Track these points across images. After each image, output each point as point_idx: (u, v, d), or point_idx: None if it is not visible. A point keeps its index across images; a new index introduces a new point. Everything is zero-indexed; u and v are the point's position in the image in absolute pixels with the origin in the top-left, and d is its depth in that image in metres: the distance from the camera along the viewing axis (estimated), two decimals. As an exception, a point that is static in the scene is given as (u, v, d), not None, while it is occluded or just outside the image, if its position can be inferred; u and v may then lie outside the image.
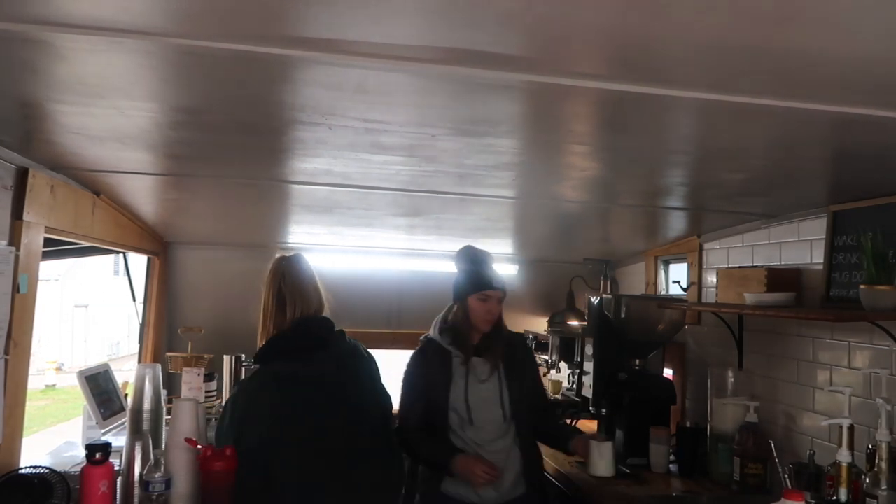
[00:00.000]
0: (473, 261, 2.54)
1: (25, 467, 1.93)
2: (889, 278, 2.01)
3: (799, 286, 2.52)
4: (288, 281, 2.17)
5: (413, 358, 2.57)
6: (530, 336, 3.73)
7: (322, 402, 2.06)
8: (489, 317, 2.47)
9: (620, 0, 0.95)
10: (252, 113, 1.60)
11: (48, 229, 2.16)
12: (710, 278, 3.13)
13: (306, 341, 2.13)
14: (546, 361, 3.66)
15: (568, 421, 3.14)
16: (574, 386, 3.47)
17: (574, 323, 3.58)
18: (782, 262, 2.68)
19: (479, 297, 2.47)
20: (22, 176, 1.98)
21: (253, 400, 2.07)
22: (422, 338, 2.61)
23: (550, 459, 2.78)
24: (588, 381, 3.14)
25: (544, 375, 3.60)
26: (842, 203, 2.36)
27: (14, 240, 1.95)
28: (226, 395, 2.95)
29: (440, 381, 2.47)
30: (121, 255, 3.44)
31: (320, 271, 3.10)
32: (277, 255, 2.25)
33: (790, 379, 2.62)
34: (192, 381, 3.00)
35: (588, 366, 3.16)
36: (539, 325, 4.02)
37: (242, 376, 3.04)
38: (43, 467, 1.93)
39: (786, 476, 2.23)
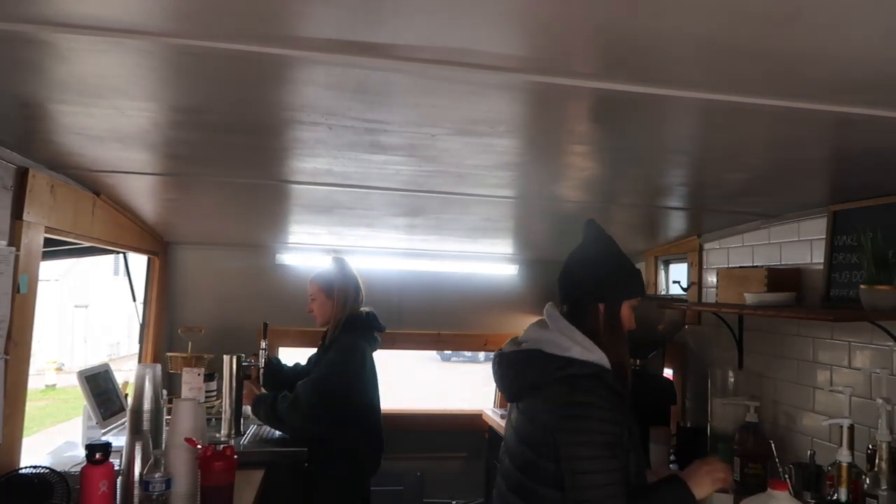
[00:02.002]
0: (620, 251, 1.88)
1: (25, 467, 1.93)
2: (889, 278, 2.01)
3: (799, 286, 2.53)
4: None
5: (599, 397, 1.65)
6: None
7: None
8: (627, 331, 1.84)
9: (620, 0, 0.95)
10: (252, 113, 1.59)
11: (48, 229, 2.15)
12: (711, 278, 3.13)
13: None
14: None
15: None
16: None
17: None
18: (782, 262, 2.68)
19: (635, 304, 1.85)
20: (22, 176, 1.98)
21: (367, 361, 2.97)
22: (587, 362, 1.70)
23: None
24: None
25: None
26: (842, 203, 2.36)
27: (14, 240, 1.95)
28: (226, 395, 2.94)
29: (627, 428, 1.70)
30: (121, 255, 3.44)
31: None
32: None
33: (790, 379, 2.62)
34: (192, 381, 2.99)
35: (588, 366, 3.15)
36: (539, 325, 4.00)
37: (243, 376, 3.03)
38: (43, 467, 1.93)
39: (786, 476, 2.23)
